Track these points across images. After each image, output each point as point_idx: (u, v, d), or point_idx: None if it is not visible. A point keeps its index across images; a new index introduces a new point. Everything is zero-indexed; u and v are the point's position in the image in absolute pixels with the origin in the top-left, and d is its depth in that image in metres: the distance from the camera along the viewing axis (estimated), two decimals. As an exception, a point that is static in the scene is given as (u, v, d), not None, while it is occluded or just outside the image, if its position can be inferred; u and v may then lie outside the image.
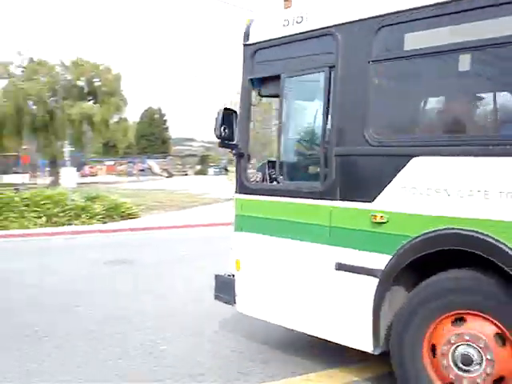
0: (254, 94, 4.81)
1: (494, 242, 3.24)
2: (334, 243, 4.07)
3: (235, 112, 4.73)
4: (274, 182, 4.72)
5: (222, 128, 4.60)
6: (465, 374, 3.48)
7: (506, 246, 3.20)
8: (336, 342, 4.19)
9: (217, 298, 5.13)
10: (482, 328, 3.41)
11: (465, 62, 3.56)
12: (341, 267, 4.02)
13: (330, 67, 4.10)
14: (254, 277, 4.74)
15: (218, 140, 4.65)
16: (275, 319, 4.67)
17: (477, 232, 3.31)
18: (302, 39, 4.33)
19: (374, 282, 3.81)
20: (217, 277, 5.12)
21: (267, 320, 4.75)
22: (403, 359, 3.74)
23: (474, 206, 3.34)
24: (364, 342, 3.93)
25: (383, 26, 3.81)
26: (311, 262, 4.24)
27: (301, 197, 4.32)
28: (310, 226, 4.23)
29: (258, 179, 4.86)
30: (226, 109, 4.66)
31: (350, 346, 4.08)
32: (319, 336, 4.32)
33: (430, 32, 3.64)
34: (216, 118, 4.60)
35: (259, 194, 4.69)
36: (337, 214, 4.04)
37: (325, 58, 4.17)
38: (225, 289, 4.98)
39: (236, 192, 4.88)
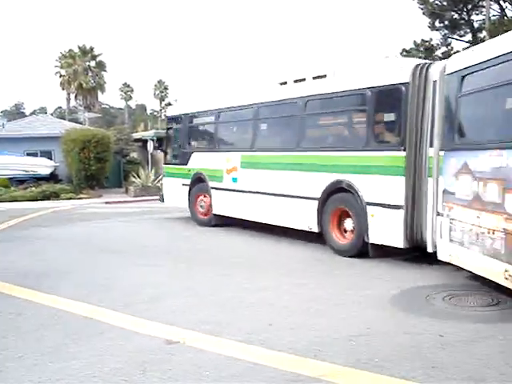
0: (169, 132, 14.75)
1: (205, 176, 12.91)
2: (184, 177, 13.86)
3: (162, 138, 14.75)
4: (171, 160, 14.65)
5: (157, 143, 14.62)
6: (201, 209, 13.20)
7: (205, 176, 12.88)
8: (178, 205, 14.12)
9: (159, 200, 15.08)
10: (205, 198, 13.15)
11: (214, 127, 13.35)
12: (183, 184, 13.80)
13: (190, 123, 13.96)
14: (166, 191, 14.71)
15: (155, 148, 14.74)
16: (173, 204, 14.58)
17: (201, 172, 13.00)
18: (175, 118, 14.28)
19: (187, 187, 13.57)
20: (159, 194, 15.08)
21: (171, 205, 14.68)
22: (190, 206, 13.53)
23: (201, 165, 13.01)
24: (185, 205, 13.70)
25: (193, 117, 13.62)
26: (179, 184, 14.01)
27: (176, 164, 14.17)
28: (179, 174, 14.03)
29: (168, 159, 14.79)
30: (157, 138, 14.70)
31: (180, 206, 13.95)
32: (174, 205, 14.28)
33: (202, 117, 13.46)
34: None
35: (168, 164, 14.63)
36: (182, 169, 13.84)
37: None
38: (161, 197, 14.97)
39: (163, 164, 14.89)
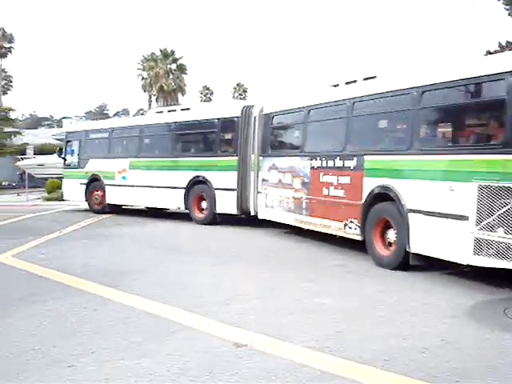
0: (69, 143, 19.17)
1: (100, 176, 17.55)
2: (82, 178, 18.27)
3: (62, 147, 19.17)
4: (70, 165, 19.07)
5: (59, 152, 18.98)
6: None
7: (100, 176, 17.53)
8: (76, 200, 18.64)
9: (60, 198, 19.39)
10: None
11: (108, 140, 18.08)
12: (81, 183, 18.21)
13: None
14: (66, 190, 19.08)
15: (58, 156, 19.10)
16: (73, 201, 19.00)
17: (97, 173, 17.62)
18: (74, 133, 18.81)
19: (84, 186, 18.06)
20: (60, 193, 19.39)
21: (73, 202, 19.11)
22: (87, 200, 18.10)
23: (97, 168, 17.62)
24: (82, 199, 18.19)
25: (91, 133, 18.23)
26: (78, 183, 18.37)
27: (75, 168, 18.60)
28: (78, 175, 18.41)
29: (67, 164, 19.16)
30: (59, 148, 19.07)
31: (78, 200, 18.48)
32: (72, 200, 18.85)
33: (98, 133, 18.13)
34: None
35: (67, 168, 19.01)
36: (80, 172, 18.28)
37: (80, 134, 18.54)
38: (61, 194, 19.29)
39: (63, 168, 19.27)
